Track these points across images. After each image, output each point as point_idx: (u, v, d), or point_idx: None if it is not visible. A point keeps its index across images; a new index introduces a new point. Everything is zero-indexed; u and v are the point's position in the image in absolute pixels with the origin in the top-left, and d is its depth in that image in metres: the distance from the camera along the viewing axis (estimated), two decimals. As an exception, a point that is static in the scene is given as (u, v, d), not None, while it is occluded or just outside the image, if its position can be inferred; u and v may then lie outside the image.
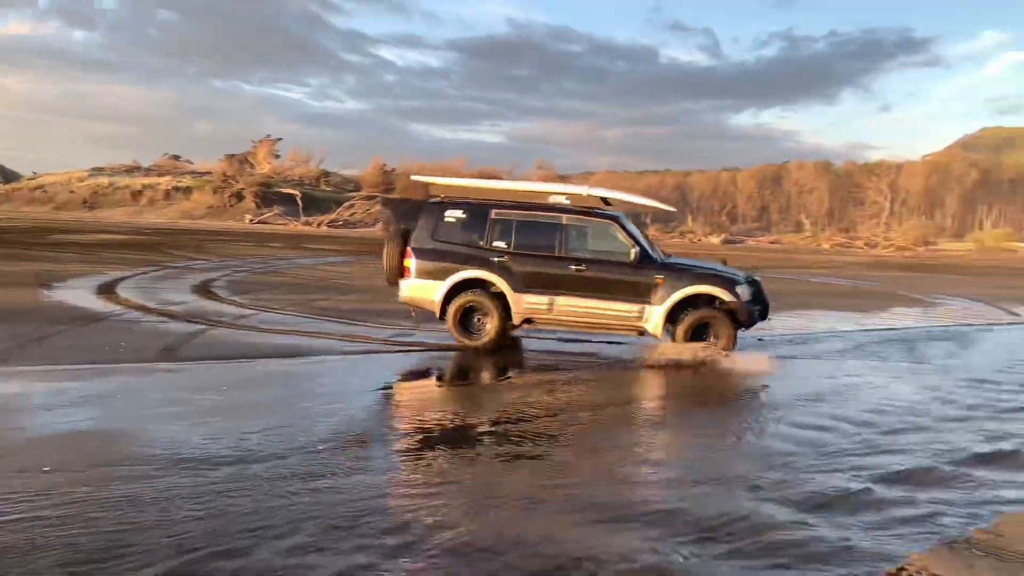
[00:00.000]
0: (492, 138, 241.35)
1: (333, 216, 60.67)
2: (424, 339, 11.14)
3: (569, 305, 10.52)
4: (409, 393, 8.54)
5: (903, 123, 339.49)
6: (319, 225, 58.50)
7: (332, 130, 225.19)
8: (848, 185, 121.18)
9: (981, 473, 5.97)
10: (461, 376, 9.33)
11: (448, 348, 10.54)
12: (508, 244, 10.60)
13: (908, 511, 5.04)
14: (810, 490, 5.39)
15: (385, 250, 10.91)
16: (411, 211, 11.28)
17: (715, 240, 75.18)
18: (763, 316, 11.00)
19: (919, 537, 4.60)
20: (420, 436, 6.45)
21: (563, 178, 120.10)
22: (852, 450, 6.45)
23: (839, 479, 5.67)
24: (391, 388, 8.54)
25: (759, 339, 12.61)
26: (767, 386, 9.18)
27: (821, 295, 21.56)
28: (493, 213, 10.70)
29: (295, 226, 57.16)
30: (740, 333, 10.66)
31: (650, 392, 9.00)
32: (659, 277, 10.53)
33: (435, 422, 6.90)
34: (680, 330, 10.36)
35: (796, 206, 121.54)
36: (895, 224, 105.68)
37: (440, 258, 10.59)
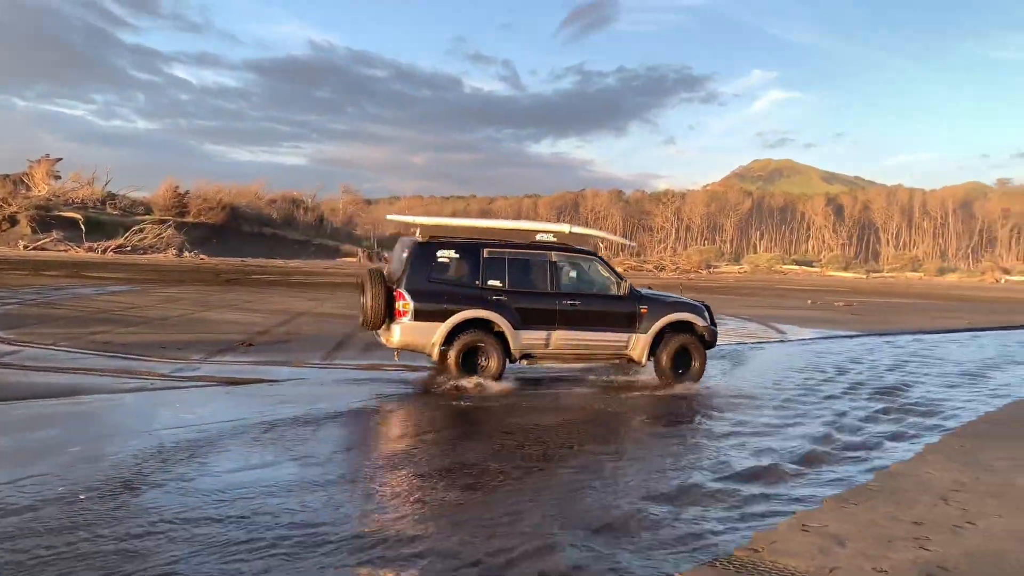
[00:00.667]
0: (294, 160, 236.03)
1: (120, 241, 57.03)
2: (212, 372, 10.58)
3: (565, 339, 10.78)
4: (190, 433, 8.04)
5: (685, 154, 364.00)
6: (104, 251, 54.75)
7: (121, 150, 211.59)
8: (639, 212, 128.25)
9: (745, 489, 6.36)
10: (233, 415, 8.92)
11: (239, 381, 10.06)
12: (502, 282, 10.61)
13: (679, 529, 5.24)
14: (586, 511, 5.53)
15: (368, 293, 10.39)
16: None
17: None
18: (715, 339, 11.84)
19: (686, 556, 4.79)
20: (198, 480, 6.06)
21: (369, 202, 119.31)
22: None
23: (615, 500, 5.87)
24: (171, 429, 8.00)
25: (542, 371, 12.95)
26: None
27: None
28: (485, 252, 10.66)
29: (77, 252, 53.16)
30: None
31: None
32: (643, 308, 11.21)
33: (213, 466, 6.52)
34: (664, 355, 11.19)
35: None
36: (681, 248, 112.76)
37: (438, 299, 10.33)
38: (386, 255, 71.91)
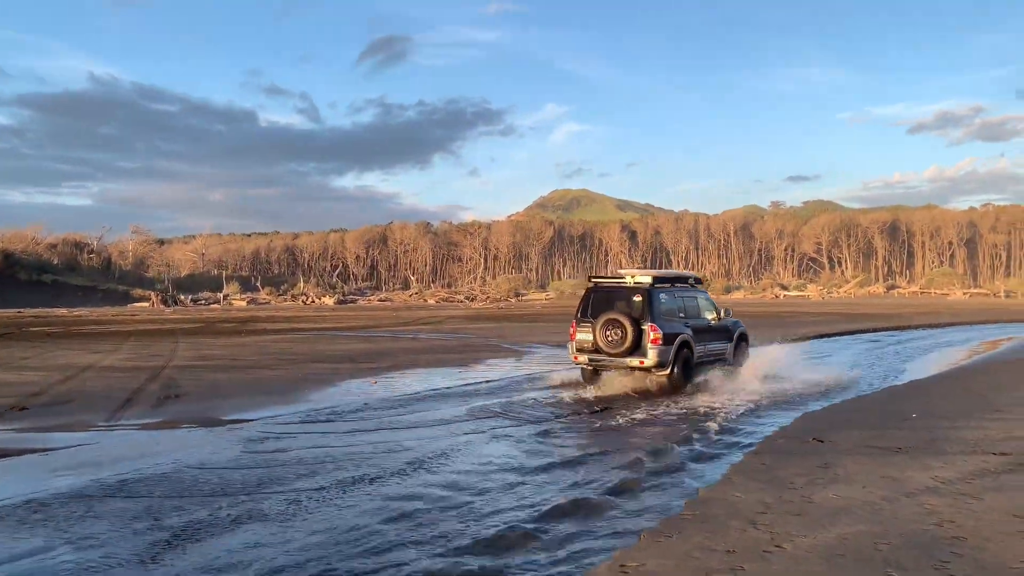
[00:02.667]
0: (78, 201, 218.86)
1: None
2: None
3: (709, 347, 15.46)
4: None
5: (489, 186, 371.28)
6: None
7: None
8: (447, 243, 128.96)
9: (562, 527, 6.21)
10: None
11: (6, 453, 8.86)
12: (682, 312, 15.05)
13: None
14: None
15: (623, 326, 14.06)
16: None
17: (329, 301, 75.08)
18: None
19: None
20: None
21: (162, 242, 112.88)
22: (442, 519, 6.40)
23: (413, 554, 5.57)
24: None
25: (366, 403, 12.46)
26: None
27: (429, 351, 22.18)
28: (672, 291, 15.11)
29: None
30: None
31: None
32: (732, 325, 16.54)
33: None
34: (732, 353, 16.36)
35: (403, 264, 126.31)
36: (490, 278, 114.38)
37: (670, 328, 14.34)
38: (183, 298, 68.06)
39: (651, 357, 13.98)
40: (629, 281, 14.77)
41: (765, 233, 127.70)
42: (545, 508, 6.68)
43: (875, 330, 32.12)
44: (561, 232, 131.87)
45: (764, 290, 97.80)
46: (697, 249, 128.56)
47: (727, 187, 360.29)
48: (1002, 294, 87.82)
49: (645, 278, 14.73)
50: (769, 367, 16.07)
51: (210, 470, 8.15)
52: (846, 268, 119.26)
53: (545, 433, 10.17)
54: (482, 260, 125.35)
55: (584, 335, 14.67)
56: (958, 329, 34.30)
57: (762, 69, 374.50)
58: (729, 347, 16.21)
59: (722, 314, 16.16)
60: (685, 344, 14.49)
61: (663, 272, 15.49)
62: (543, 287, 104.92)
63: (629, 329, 14.02)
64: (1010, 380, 14.85)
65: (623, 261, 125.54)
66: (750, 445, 9.29)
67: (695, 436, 9.90)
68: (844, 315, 44.13)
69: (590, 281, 15.62)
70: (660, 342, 14.01)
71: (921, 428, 9.77)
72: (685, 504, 6.62)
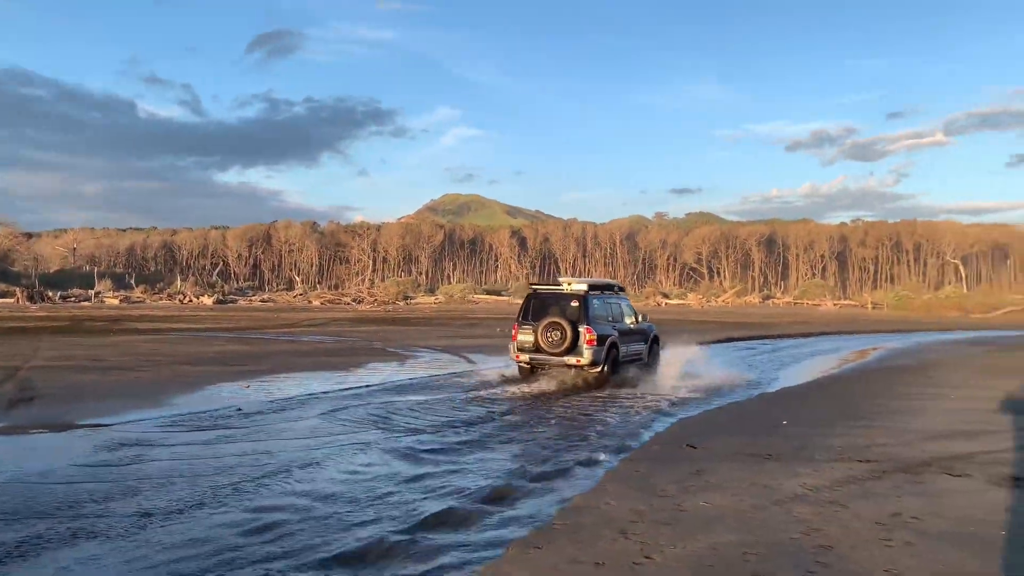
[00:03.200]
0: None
1: None
2: None
3: (630, 347, 17.16)
4: None
5: (379, 187, 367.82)
6: None
7: None
8: (334, 244, 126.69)
9: (432, 539, 5.96)
10: None
11: None
12: (610, 317, 16.78)
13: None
14: None
15: (562, 328, 15.53)
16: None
17: (208, 301, 72.35)
18: None
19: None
20: None
21: (30, 236, 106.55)
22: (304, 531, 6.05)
23: (273, 569, 5.23)
24: None
25: (238, 408, 11.89)
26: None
27: (309, 355, 21.53)
28: (603, 297, 16.87)
29: None
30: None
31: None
32: (647, 328, 18.46)
33: None
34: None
35: (287, 264, 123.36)
36: (379, 280, 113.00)
37: (602, 330, 15.94)
38: (51, 295, 64.22)
39: (586, 356, 15.57)
40: (567, 288, 16.39)
41: (649, 243, 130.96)
42: (417, 518, 6.42)
43: (750, 338, 33.18)
44: (451, 236, 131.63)
45: (647, 298, 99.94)
46: (584, 257, 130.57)
47: (614, 197, 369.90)
48: (869, 306, 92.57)
49: (581, 286, 16.39)
50: (667, 371, 17.42)
51: (54, 480, 7.52)
52: (725, 278, 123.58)
53: (422, 440, 9.87)
54: (370, 262, 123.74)
55: (525, 336, 16.09)
56: (828, 338, 35.82)
57: (648, 83, 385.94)
58: (645, 348, 18.08)
59: (639, 318, 18.06)
60: (613, 345, 16.24)
61: (595, 280, 17.33)
62: (432, 291, 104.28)
63: (568, 331, 15.57)
64: (875, 389, 15.45)
65: (512, 267, 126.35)
66: (626, 451, 9.26)
67: (579, 441, 9.82)
68: (721, 323, 45.50)
69: (530, 288, 17.16)
70: (595, 343, 15.62)
71: (791, 435, 9.99)
72: (557, 513, 6.48)
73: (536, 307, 16.36)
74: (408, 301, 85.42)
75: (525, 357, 16.13)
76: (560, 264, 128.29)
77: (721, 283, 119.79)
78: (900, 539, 5.70)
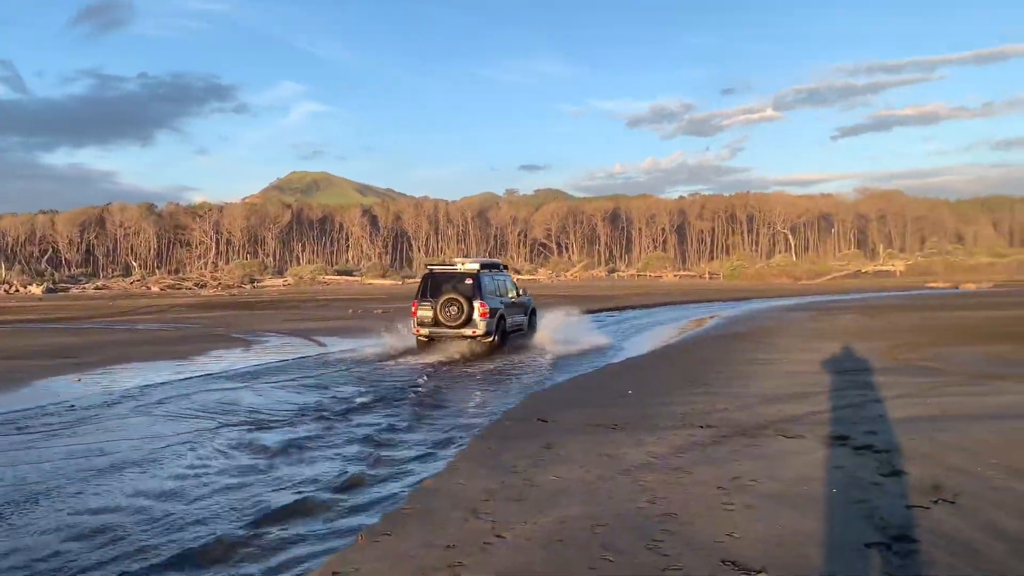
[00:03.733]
0: None
1: None
2: None
3: (515, 319, 19.42)
4: None
5: (221, 166, 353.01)
6: None
7: None
8: (174, 227, 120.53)
9: (278, 533, 5.73)
10: None
11: None
12: (498, 292, 18.84)
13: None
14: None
15: (459, 303, 17.51)
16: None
17: (37, 290, 67.46)
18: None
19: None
20: None
21: None
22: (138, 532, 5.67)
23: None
24: None
25: (70, 405, 11.08)
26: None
27: (147, 343, 20.38)
28: (492, 275, 18.89)
29: None
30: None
31: None
32: (527, 302, 20.96)
33: None
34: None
35: (124, 249, 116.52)
36: (223, 263, 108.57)
37: (492, 304, 18.03)
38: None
39: (481, 327, 17.63)
40: (461, 268, 18.53)
41: (500, 219, 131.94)
42: (262, 512, 6.15)
43: (599, 311, 34.06)
44: (300, 216, 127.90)
45: None
46: (437, 234, 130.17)
47: (465, 174, 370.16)
48: (707, 276, 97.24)
49: (473, 265, 18.49)
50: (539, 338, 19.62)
51: None
52: (573, 253, 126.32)
53: (269, 430, 9.49)
54: (213, 245, 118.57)
55: (425, 312, 18.02)
56: (669, 308, 37.27)
57: (493, 59, 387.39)
58: (526, 319, 20.56)
59: (520, 293, 20.40)
60: (502, 317, 18.46)
61: (484, 260, 19.33)
62: (281, 273, 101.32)
63: (464, 305, 17.61)
64: (713, 355, 16.10)
65: (364, 246, 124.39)
66: (475, 428, 9.24)
67: (434, 421, 9.72)
68: (571, 297, 46.51)
69: (427, 268, 19.32)
70: (487, 315, 17.73)
71: (636, 404, 10.25)
72: (409, 496, 6.36)
73: (433, 285, 18.30)
74: (255, 284, 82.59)
75: (425, 331, 18.07)
76: (413, 243, 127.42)
77: (570, 258, 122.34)
78: (740, 503, 5.91)
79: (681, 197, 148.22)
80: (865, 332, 20.40)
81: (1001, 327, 20.92)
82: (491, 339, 17.91)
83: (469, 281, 18.07)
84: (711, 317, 30.35)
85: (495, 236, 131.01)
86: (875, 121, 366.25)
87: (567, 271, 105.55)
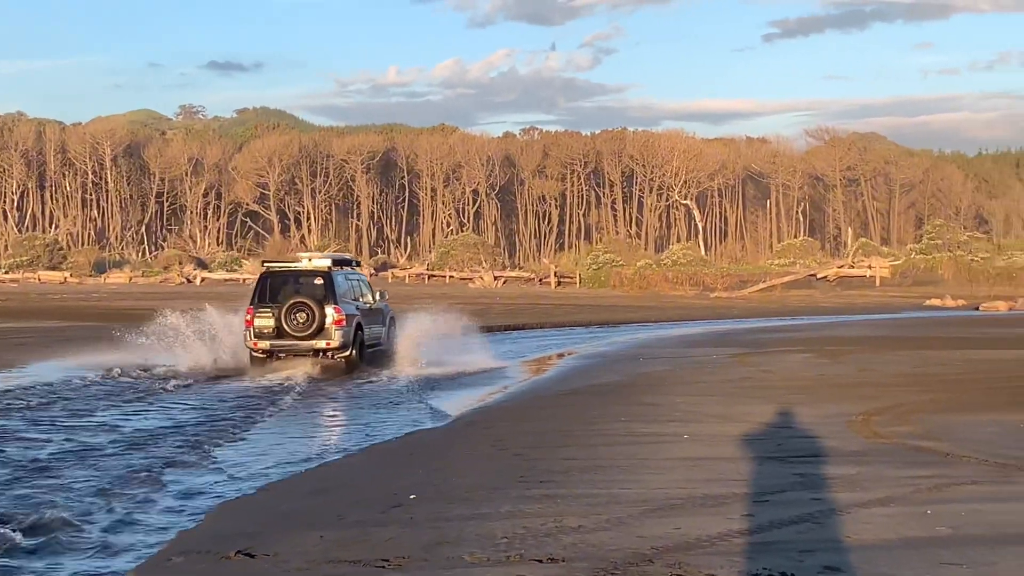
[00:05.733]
0: None
1: None
2: None
3: (372, 329, 24.98)
4: None
5: None
6: None
7: None
8: None
9: None
10: None
11: None
12: (353, 295, 24.21)
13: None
14: None
15: (309, 309, 21.88)
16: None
17: None
18: None
19: None
20: None
21: None
22: None
23: None
24: None
25: None
26: None
27: None
28: (345, 274, 24.56)
29: None
30: None
31: None
32: (385, 308, 26.90)
33: None
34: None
35: None
36: None
37: (348, 309, 23.15)
38: None
39: (336, 338, 21.74)
40: (307, 265, 23.03)
41: (169, 163, 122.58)
42: None
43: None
44: None
45: (166, 269, 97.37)
46: (42, 187, 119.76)
47: (100, 76, 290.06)
48: (553, 279, 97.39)
49: (324, 261, 23.31)
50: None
51: None
52: (310, 231, 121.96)
53: None
54: None
55: (264, 321, 21.71)
56: (488, 337, 36.46)
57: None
58: (384, 331, 25.66)
59: (377, 297, 25.57)
60: (360, 326, 22.97)
61: (336, 255, 23.92)
62: None
63: (315, 311, 21.45)
64: (561, 426, 15.65)
65: None
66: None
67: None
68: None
69: (263, 266, 24.22)
70: (343, 323, 21.91)
71: (424, 519, 9.35)
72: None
73: (273, 287, 22.66)
74: None
75: (265, 344, 22.06)
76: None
77: (303, 240, 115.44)
78: None
79: (507, 134, 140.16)
80: (824, 386, 20.52)
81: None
82: (348, 353, 22.38)
83: (319, 280, 22.49)
84: (559, 356, 30.14)
85: (157, 194, 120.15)
86: (840, 11, 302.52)
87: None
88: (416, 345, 25.90)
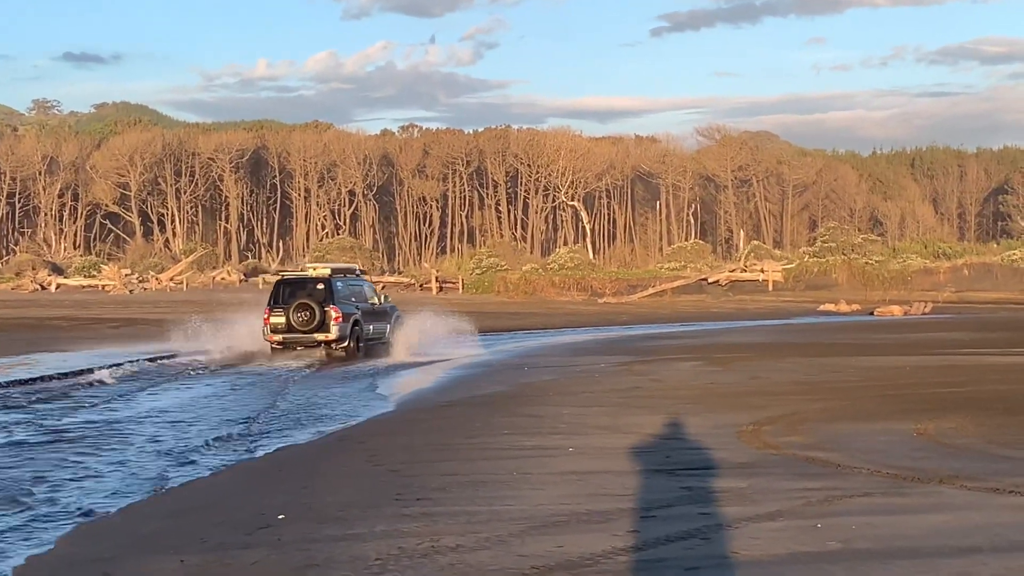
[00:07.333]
0: None
1: None
2: None
3: (374, 326, 31.94)
4: None
5: None
6: None
7: None
8: None
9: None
10: None
11: None
12: (353, 297, 30.97)
13: None
14: None
15: (311, 308, 28.39)
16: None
17: None
18: None
19: None
20: None
21: None
22: None
23: None
24: None
25: None
26: None
27: None
28: (345, 280, 31.59)
29: None
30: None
31: None
32: (390, 309, 34.51)
33: None
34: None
35: None
36: None
37: (346, 309, 29.59)
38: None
39: (333, 332, 27.98)
40: (312, 273, 29.90)
41: (21, 161, 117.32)
42: None
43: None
44: None
45: (16, 276, 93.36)
46: None
47: None
48: (434, 284, 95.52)
49: (325, 270, 30.12)
50: None
51: None
52: (174, 234, 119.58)
53: None
54: None
55: (278, 318, 28.10)
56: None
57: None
58: (388, 328, 31.81)
59: (381, 299, 32.41)
60: (357, 322, 29.21)
61: (337, 265, 31.47)
62: None
63: (317, 310, 27.68)
64: (441, 439, 15.49)
65: None
66: None
67: None
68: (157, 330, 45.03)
69: (278, 275, 34.05)
70: (340, 320, 28.02)
71: (291, 542, 8.99)
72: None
73: (286, 292, 29.19)
74: None
75: (278, 337, 28.37)
76: None
77: (167, 244, 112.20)
78: None
79: (385, 131, 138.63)
80: (714, 395, 20.59)
81: (943, 385, 21.60)
82: (345, 344, 28.76)
83: (321, 286, 29.02)
84: (439, 364, 29.64)
85: (8, 194, 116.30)
86: (730, 4, 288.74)
87: (159, 273, 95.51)
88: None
